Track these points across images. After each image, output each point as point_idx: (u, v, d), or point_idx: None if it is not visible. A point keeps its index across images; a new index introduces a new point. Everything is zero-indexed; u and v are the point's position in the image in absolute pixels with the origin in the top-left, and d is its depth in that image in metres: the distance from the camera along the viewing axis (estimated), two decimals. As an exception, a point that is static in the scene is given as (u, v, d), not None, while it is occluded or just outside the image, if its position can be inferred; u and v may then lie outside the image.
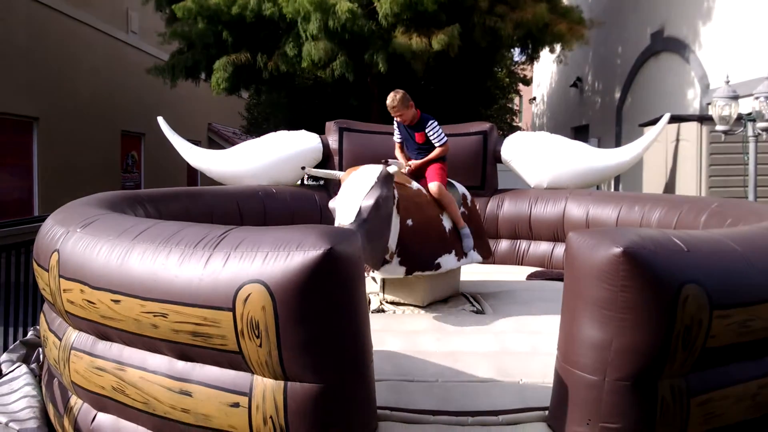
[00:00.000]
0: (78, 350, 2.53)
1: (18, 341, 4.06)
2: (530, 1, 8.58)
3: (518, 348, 3.16)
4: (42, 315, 3.28)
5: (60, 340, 2.71)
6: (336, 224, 3.35)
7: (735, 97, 5.77)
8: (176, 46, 10.76)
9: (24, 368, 3.55)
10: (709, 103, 7.40)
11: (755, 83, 6.08)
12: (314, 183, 10.33)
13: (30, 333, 4.24)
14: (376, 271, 3.89)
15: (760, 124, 5.62)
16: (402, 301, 4.10)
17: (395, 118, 4.42)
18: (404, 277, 3.89)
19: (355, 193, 3.45)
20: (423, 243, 3.90)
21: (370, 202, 3.40)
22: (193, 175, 15.95)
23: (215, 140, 17.96)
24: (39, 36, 10.64)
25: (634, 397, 1.97)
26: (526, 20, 8.34)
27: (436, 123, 4.29)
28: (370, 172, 3.55)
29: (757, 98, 5.59)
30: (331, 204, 3.58)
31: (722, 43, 8.80)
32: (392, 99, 4.26)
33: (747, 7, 8.24)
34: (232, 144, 13.87)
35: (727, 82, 5.97)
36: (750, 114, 5.74)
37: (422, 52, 7.83)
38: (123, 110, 13.30)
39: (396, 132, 4.53)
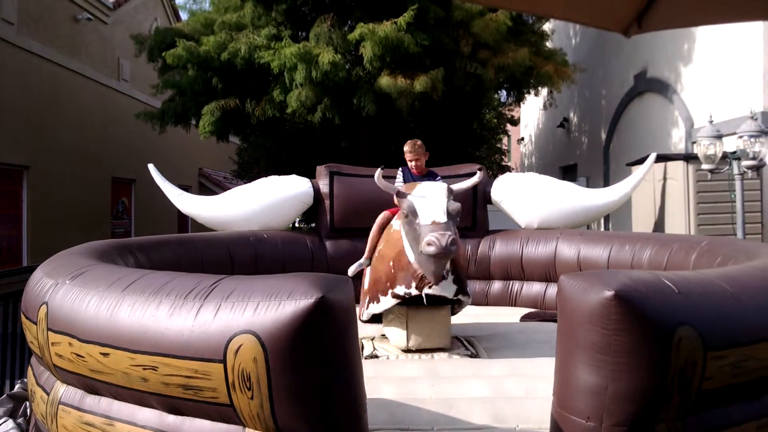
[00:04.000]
0: (66, 405, 2.48)
1: (5, 395, 3.98)
2: (513, 46, 8.76)
3: (514, 393, 3.12)
4: (29, 368, 3.22)
5: (48, 394, 2.66)
6: (424, 222, 3.42)
7: (719, 136, 5.87)
8: (168, 94, 10.87)
9: (11, 423, 3.48)
10: (694, 142, 7.52)
11: (738, 122, 6.19)
12: (305, 226, 10.35)
13: (17, 386, 4.16)
14: (429, 288, 3.71)
15: (745, 162, 5.70)
16: (427, 347, 4.01)
17: (403, 168, 4.49)
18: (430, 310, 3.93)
19: (437, 196, 3.55)
20: (464, 269, 4.01)
21: (455, 206, 3.53)
22: (184, 220, 15.92)
23: (206, 185, 18.00)
24: (29, 84, 10.72)
25: (632, 442, 1.95)
26: (507, 65, 8.52)
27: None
28: (440, 185, 3.72)
29: (741, 137, 5.69)
30: (407, 202, 3.56)
31: (704, 83, 8.99)
32: (413, 144, 4.45)
33: (726, 47, 8.45)
34: (223, 188, 13.91)
35: (711, 121, 6.07)
36: (735, 152, 5.83)
37: (406, 91, 7.98)
38: (113, 157, 13.33)
39: (399, 179, 4.44)
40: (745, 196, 5.93)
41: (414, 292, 3.72)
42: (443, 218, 3.42)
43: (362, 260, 4.34)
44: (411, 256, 3.66)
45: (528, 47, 8.93)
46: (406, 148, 4.50)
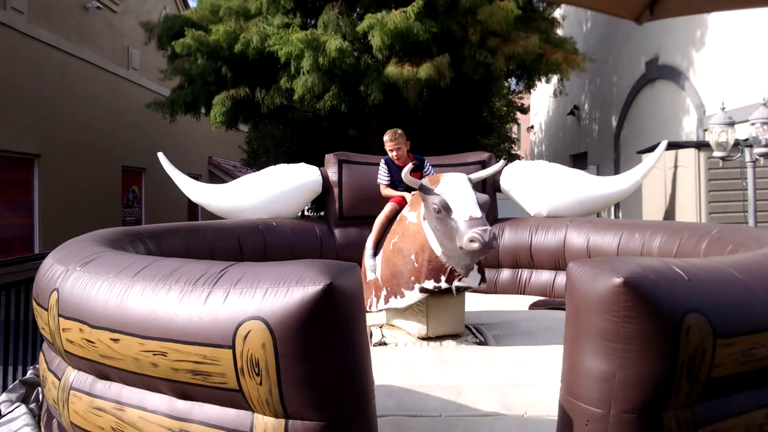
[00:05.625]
0: (77, 390, 2.51)
1: (17, 381, 4.03)
2: (522, 33, 8.69)
3: (522, 380, 3.13)
4: (41, 354, 3.25)
5: (59, 379, 2.69)
6: (460, 218, 3.38)
7: (731, 123, 5.81)
8: (177, 81, 10.89)
9: (23, 408, 3.52)
10: (705, 130, 7.45)
11: (751, 109, 6.13)
12: (314, 214, 10.37)
13: (29, 372, 4.21)
14: (459, 281, 3.74)
15: (758, 150, 5.64)
16: (446, 333, 4.06)
17: (386, 158, 4.58)
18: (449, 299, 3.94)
19: (465, 189, 3.52)
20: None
21: (484, 198, 3.54)
22: (193, 209, 15.99)
23: (216, 173, 18.06)
24: (40, 73, 10.76)
25: (640, 429, 1.94)
26: (517, 53, 8.45)
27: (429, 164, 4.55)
28: (461, 177, 3.66)
29: (753, 124, 5.62)
30: (437, 198, 3.51)
31: (716, 70, 8.89)
32: (393, 133, 4.46)
33: (739, 34, 8.35)
34: (233, 177, 13.94)
35: (723, 108, 6.01)
36: (747, 140, 5.77)
37: (412, 80, 7.95)
38: (124, 145, 13.39)
39: (384, 173, 4.60)
40: (757, 183, 5.87)
41: (444, 285, 3.73)
42: (478, 213, 3.40)
43: (370, 252, 4.37)
44: (438, 250, 3.67)
45: (538, 34, 8.86)
46: (385, 137, 4.54)
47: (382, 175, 4.62)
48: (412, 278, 3.81)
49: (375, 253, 4.40)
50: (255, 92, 9.25)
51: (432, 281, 3.74)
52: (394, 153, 4.52)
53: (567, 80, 10.82)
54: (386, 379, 3.06)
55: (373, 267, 4.29)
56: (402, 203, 4.45)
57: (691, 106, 9.57)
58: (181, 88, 10.59)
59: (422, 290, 3.78)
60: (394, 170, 4.57)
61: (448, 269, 3.68)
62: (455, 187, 3.54)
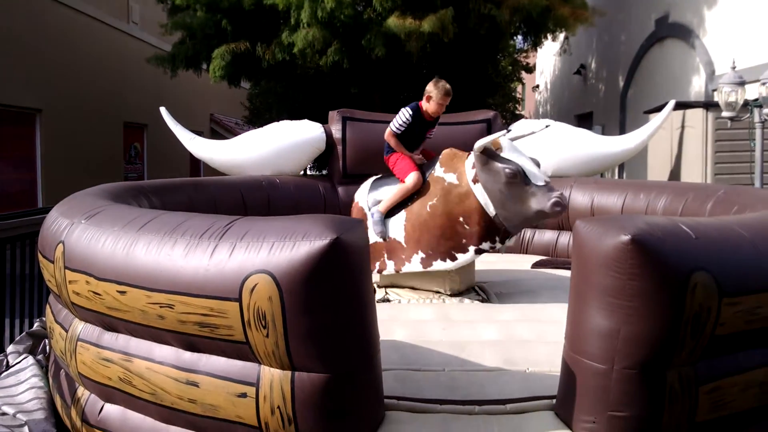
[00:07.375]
0: (84, 341, 2.53)
1: (24, 333, 4.07)
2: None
3: (524, 337, 3.15)
4: (48, 306, 3.28)
5: (66, 331, 2.72)
6: (539, 184, 3.51)
7: (741, 83, 5.73)
8: (178, 36, 10.73)
9: (30, 359, 3.57)
10: (714, 90, 7.36)
11: (762, 69, 6.04)
12: (317, 173, 10.34)
13: (36, 324, 4.25)
14: (509, 240, 3.92)
15: (767, 110, 5.58)
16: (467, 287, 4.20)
17: (413, 107, 4.23)
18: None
19: (524, 155, 3.66)
20: None
21: (537, 161, 3.71)
22: (196, 165, 15.93)
23: (217, 130, 17.93)
24: (40, 27, 10.60)
25: (642, 385, 1.96)
26: (522, 5, 8.26)
27: None
28: (510, 143, 3.77)
29: (763, 84, 5.54)
30: (514, 165, 3.56)
31: (728, 29, 8.73)
32: (450, 91, 4.18)
33: (752, -8, 8.17)
34: (235, 134, 13.85)
35: (733, 67, 5.93)
36: (756, 100, 5.70)
37: (415, 32, 7.79)
38: (125, 101, 13.27)
39: (403, 121, 4.21)
40: (765, 144, 5.82)
41: (498, 245, 3.90)
42: (548, 178, 3.59)
43: (379, 217, 4.14)
44: (491, 212, 3.76)
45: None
46: (444, 91, 4.16)
47: (399, 123, 4.21)
48: (464, 241, 3.85)
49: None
50: (255, 47, 9.11)
51: (488, 242, 3.85)
52: (440, 108, 4.21)
53: (573, 35, 10.64)
54: (390, 335, 3.08)
55: (383, 232, 4.12)
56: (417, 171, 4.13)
57: (701, 66, 9.43)
58: (182, 42, 10.44)
59: (478, 251, 3.87)
60: (417, 122, 4.24)
61: (503, 230, 3.80)
62: (518, 153, 3.65)
